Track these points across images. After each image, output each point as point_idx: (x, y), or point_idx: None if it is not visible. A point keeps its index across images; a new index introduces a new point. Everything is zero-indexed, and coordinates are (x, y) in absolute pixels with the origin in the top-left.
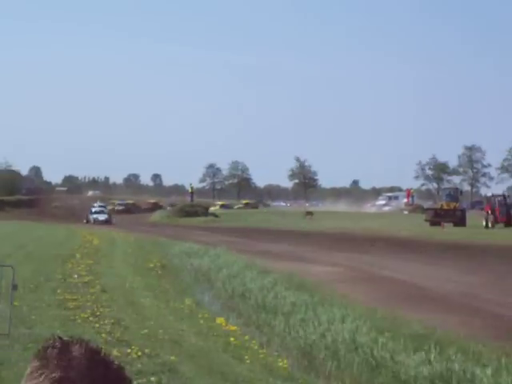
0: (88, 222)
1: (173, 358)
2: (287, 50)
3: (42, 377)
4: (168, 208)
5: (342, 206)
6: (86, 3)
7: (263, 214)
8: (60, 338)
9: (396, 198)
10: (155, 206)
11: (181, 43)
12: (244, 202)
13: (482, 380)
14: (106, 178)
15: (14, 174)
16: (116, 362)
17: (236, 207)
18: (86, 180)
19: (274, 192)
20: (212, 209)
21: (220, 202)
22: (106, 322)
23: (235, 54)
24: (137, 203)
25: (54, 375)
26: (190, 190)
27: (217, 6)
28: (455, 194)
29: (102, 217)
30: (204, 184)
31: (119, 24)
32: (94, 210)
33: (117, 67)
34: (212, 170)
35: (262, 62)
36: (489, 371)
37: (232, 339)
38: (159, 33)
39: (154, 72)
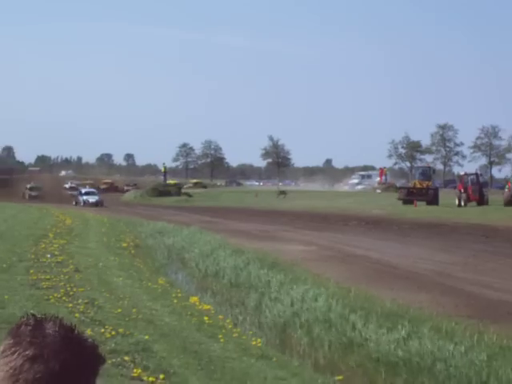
0: (77, 203)
1: (146, 337)
2: (262, 32)
3: (15, 354)
4: (125, 188)
5: (315, 185)
6: None
7: (236, 194)
8: (33, 315)
9: (369, 176)
10: (111, 187)
11: (156, 24)
12: (192, 181)
13: (455, 357)
14: (79, 158)
15: None
16: (90, 340)
17: (185, 186)
18: (59, 160)
19: (247, 171)
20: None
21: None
22: (80, 301)
23: (213, 34)
24: (95, 184)
25: (27, 353)
26: (162, 170)
27: None
28: (428, 173)
29: (92, 198)
30: (177, 163)
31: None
32: (84, 191)
33: (90, 47)
34: (185, 150)
35: (238, 42)
36: (462, 348)
37: (206, 318)
38: (131, 14)
39: (125, 52)
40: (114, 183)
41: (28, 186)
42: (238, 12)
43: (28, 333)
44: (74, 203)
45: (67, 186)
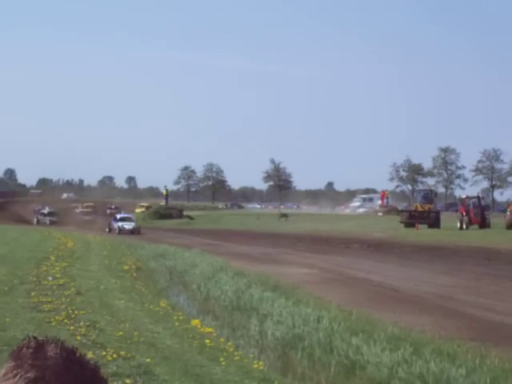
0: (111, 230)
1: (148, 360)
2: (264, 53)
3: (17, 377)
4: (108, 212)
5: (315, 208)
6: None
7: (238, 216)
8: (35, 337)
9: (371, 199)
10: (94, 211)
11: (166, 47)
12: (143, 204)
13: (458, 380)
14: (81, 181)
15: None
16: (91, 362)
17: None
18: (61, 182)
19: (248, 194)
20: (137, 210)
21: (145, 204)
22: (81, 324)
23: (214, 57)
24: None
25: (29, 375)
26: (164, 193)
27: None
28: (429, 196)
29: (128, 225)
30: (179, 186)
31: (93, 28)
32: (119, 216)
33: (92, 71)
34: (186, 172)
35: (239, 64)
36: (464, 371)
37: (207, 341)
38: (142, 36)
39: (129, 75)
40: (95, 206)
41: (43, 210)
42: (237, 32)
43: (29, 355)
44: (107, 230)
45: (78, 210)
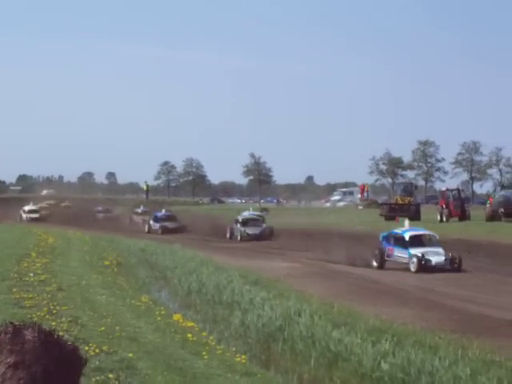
0: (150, 231)
1: (130, 354)
2: (243, 46)
3: None
4: (100, 215)
5: (295, 203)
6: None
7: (219, 211)
8: (11, 323)
9: (351, 193)
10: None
11: (139, 41)
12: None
13: (440, 372)
14: (61, 177)
15: None
16: (70, 343)
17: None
18: (41, 179)
19: (229, 189)
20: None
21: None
22: (63, 320)
23: (188, 50)
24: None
25: (8, 360)
26: (144, 188)
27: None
28: (409, 189)
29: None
30: (159, 181)
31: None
32: (159, 215)
33: (69, 64)
34: (166, 168)
35: (214, 59)
36: (446, 363)
37: (189, 335)
38: (112, 31)
39: (106, 70)
40: (57, 203)
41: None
42: (216, 28)
43: (8, 341)
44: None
45: (139, 210)
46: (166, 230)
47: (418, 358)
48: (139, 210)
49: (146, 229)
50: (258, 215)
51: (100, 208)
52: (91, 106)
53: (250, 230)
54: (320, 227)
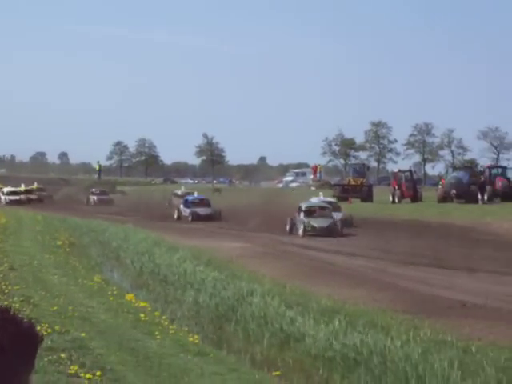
0: (180, 217)
1: (83, 334)
2: (193, 25)
3: None
4: (94, 198)
5: (247, 183)
6: None
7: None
8: None
9: (303, 174)
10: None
11: (93, 22)
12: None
13: (392, 352)
14: (13, 157)
15: None
16: (26, 320)
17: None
18: None
19: (181, 169)
20: None
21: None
22: (15, 299)
23: (145, 32)
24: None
25: None
26: (97, 168)
27: None
28: (362, 170)
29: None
30: (111, 162)
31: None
32: (190, 198)
33: (23, 42)
34: (119, 148)
35: (169, 39)
36: (398, 343)
37: (142, 315)
38: (67, 12)
39: (58, 49)
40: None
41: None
42: (163, 7)
43: None
44: (175, 216)
45: (179, 192)
46: (197, 217)
47: (370, 338)
48: (179, 192)
49: (176, 215)
50: (328, 202)
51: (94, 190)
52: (44, 84)
53: (317, 223)
54: (272, 207)
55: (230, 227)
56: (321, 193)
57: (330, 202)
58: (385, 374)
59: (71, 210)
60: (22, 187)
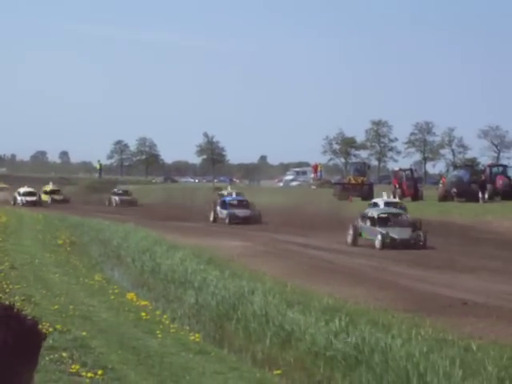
0: (216, 220)
1: (84, 333)
2: (194, 27)
3: None
4: (116, 199)
5: (247, 182)
6: None
7: (173, 190)
8: None
9: (304, 173)
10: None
11: (92, 22)
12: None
13: (393, 350)
14: (13, 156)
15: None
16: (29, 317)
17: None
18: None
19: (182, 168)
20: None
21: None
22: (16, 298)
23: (145, 32)
24: None
25: None
26: (97, 167)
27: None
28: (362, 169)
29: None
30: (112, 161)
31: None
32: (228, 199)
33: (22, 40)
34: (119, 147)
35: (167, 38)
36: (399, 341)
37: (143, 314)
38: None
39: (59, 48)
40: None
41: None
42: (154, 6)
43: None
44: (211, 219)
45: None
46: (235, 219)
47: (371, 337)
48: (225, 193)
49: (212, 217)
50: (397, 203)
51: (115, 190)
52: (44, 83)
53: (396, 233)
54: (273, 206)
55: (230, 226)
56: (384, 192)
57: (399, 205)
58: (386, 372)
59: (71, 209)
60: (50, 186)
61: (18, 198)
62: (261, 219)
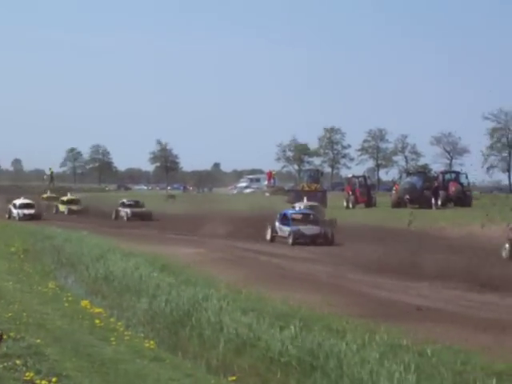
0: (273, 239)
1: (38, 340)
2: (145, 31)
3: None
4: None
5: (200, 189)
6: None
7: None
8: None
9: (257, 180)
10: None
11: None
12: None
13: (348, 356)
14: None
15: None
16: None
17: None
18: None
19: (135, 175)
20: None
21: None
22: None
23: (97, 36)
24: None
25: None
26: (49, 174)
27: None
28: (316, 176)
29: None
30: (65, 168)
31: None
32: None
33: None
34: (73, 154)
35: (120, 42)
36: (354, 347)
37: (97, 321)
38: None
39: (6, 51)
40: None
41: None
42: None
43: None
44: (268, 237)
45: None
46: (301, 238)
47: (326, 342)
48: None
49: (269, 235)
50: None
51: (125, 201)
52: None
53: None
54: (227, 214)
55: (184, 233)
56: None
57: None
58: (341, 378)
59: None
60: (68, 196)
61: (14, 212)
62: (333, 240)
